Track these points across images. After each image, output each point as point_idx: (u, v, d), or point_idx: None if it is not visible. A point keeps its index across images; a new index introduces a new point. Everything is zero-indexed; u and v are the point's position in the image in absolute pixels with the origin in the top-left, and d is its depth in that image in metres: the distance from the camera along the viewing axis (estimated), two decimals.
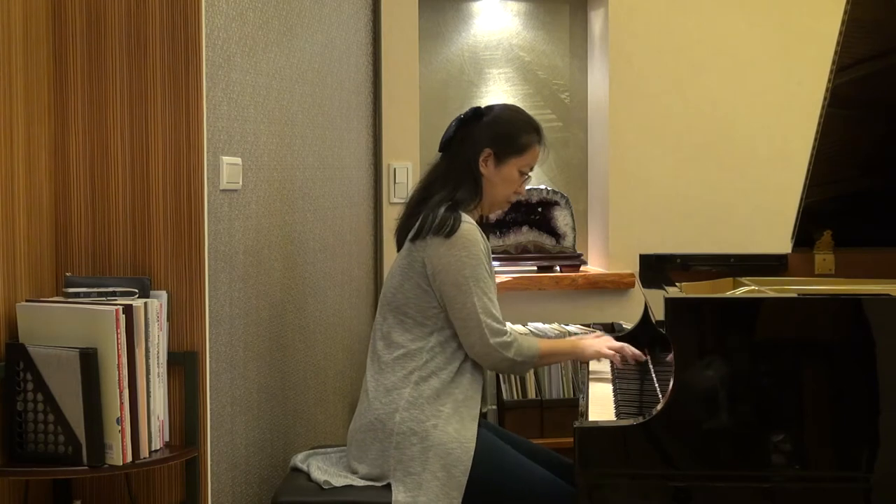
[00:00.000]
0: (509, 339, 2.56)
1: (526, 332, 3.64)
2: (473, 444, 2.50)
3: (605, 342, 2.76)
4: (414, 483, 2.47)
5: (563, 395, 3.62)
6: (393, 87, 3.78)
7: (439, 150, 2.73)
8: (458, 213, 2.57)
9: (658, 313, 2.53)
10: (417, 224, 2.60)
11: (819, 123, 2.73)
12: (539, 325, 3.74)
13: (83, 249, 2.55)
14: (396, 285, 2.63)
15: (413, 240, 2.61)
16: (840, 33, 2.58)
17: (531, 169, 2.72)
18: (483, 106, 2.74)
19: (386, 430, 2.53)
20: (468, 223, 2.57)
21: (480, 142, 2.65)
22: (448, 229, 2.54)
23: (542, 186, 4.05)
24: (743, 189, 4.09)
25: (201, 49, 2.49)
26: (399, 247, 2.70)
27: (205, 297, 2.52)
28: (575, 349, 2.77)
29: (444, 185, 2.64)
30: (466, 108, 2.77)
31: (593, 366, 2.91)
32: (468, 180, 2.64)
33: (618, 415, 2.38)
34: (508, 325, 2.62)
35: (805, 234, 2.97)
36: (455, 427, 2.51)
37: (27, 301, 2.43)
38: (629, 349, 2.75)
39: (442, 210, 2.57)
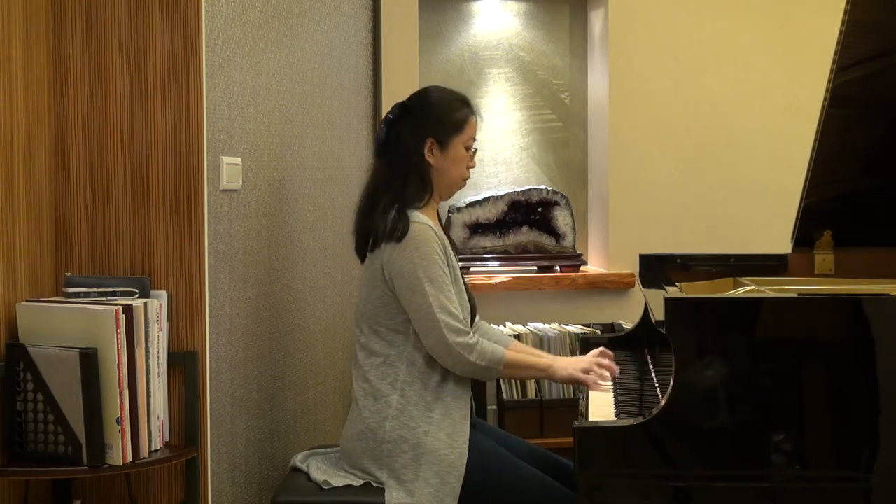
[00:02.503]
0: (471, 342, 2.49)
1: (526, 332, 3.64)
2: (466, 449, 2.49)
3: (578, 364, 2.63)
4: (407, 491, 2.45)
5: (563, 395, 3.62)
6: (393, 87, 3.78)
7: (375, 155, 2.69)
8: (405, 214, 2.54)
9: (658, 313, 2.53)
10: (374, 234, 2.58)
11: (819, 123, 2.73)
12: (539, 325, 3.74)
13: (83, 249, 2.55)
14: (365, 297, 2.61)
15: (372, 250, 2.59)
16: (840, 33, 2.58)
17: (475, 140, 2.67)
18: (404, 101, 2.67)
19: (377, 438, 2.51)
20: (418, 223, 2.53)
21: (418, 134, 2.60)
22: (399, 233, 2.51)
23: (542, 186, 4.05)
24: (743, 189, 4.09)
25: (201, 49, 2.49)
26: (360, 258, 2.67)
27: (205, 297, 2.52)
28: (548, 370, 2.62)
29: (388, 188, 2.59)
30: None
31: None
32: (414, 177, 2.59)
33: (618, 415, 2.38)
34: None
35: (805, 234, 2.97)
36: (447, 432, 2.50)
37: (27, 301, 2.43)
38: (604, 364, 2.62)
39: (391, 214, 2.54)
